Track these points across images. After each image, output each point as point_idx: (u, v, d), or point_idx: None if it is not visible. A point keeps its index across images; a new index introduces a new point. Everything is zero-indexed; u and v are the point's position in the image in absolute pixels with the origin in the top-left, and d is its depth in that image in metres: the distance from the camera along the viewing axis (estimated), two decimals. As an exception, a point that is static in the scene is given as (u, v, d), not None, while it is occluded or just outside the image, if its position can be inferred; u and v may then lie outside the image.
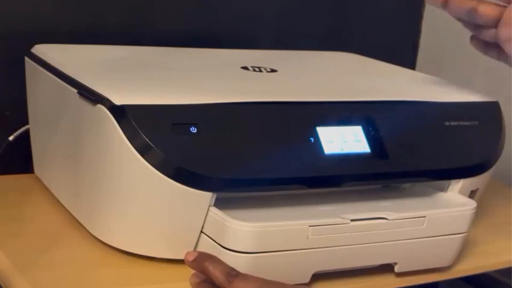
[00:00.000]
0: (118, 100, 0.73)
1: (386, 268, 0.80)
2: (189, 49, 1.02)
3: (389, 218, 0.77)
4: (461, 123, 0.87)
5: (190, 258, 0.72)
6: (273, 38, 1.20)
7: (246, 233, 0.71)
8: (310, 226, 0.73)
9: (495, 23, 0.82)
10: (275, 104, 0.80)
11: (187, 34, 1.11)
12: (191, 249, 0.76)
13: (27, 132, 0.96)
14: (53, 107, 0.87)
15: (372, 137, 0.81)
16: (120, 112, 0.73)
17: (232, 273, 0.70)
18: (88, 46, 0.97)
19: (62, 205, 0.86)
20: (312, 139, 0.78)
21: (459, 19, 0.85)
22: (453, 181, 0.86)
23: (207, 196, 0.73)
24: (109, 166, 0.75)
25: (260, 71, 0.92)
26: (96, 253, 0.78)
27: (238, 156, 0.74)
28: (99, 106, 0.74)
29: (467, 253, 0.86)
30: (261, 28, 1.19)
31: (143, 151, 0.72)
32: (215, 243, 0.73)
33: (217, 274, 0.70)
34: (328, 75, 0.99)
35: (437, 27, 1.34)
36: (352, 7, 1.28)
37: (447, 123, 0.86)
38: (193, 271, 0.72)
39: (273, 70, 0.93)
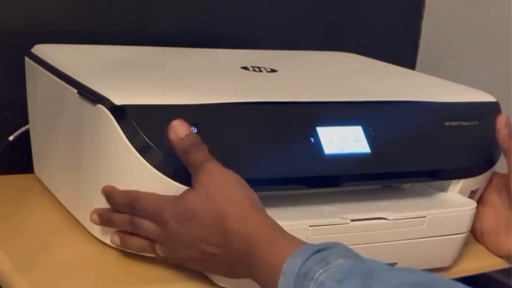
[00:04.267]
0: (118, 100, 0.73)
1: (386, 268, 0.80)
2: (189, 49, 1.02)
3: (389, 218, 0.77)
4: (461, 123, 0.87)
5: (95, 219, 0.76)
6: (273, 38, 1.20)
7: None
8: (310, 226, 0.73)
9: None
10: (275, 104, 0.80)
11: (187, 34, 1.11)
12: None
13: (27, 132, 0.96)
14: (53, 107, 0.87)
15: (372, 137, 0.81)
16: (120, 112, 0.73)
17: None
18: (88, 46, 0.97)
19: (62, 205, 0.86)
20: (312, 139, 0.78)
21: None
22: (453, 181, 0.86)
23: (207, 196, 0.73)
24: (109, 166, 0.75)
25: (260, 71, 0.92)
26: (96, 253, 0.78)
27: (238, 156, 0.74)
28: (99, 106, 0.74)
29: (467, 253, 0.86)
30: (261, 28, 1.19)
31: (143, 151, 0.72)
32: (215, 243, 0.73)
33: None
34: (328, 75, 0.99)
35: (437, 27, 1.34)
36: (352, 7, 1.28)
37: (447, 123, 0.86)
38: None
39: (273, 70, 0.93)
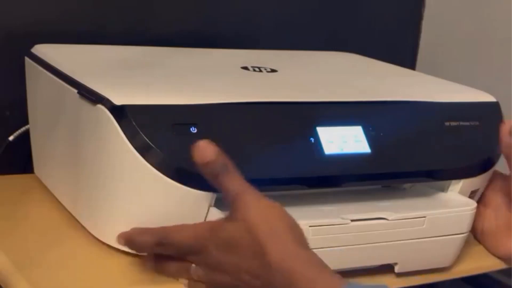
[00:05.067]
0: (118, 100, 0.73)
1: (386, 268, 0.80)
2: (189, 49, 1.02)
3: (389, 218, 0.77)
4: (461, 123, 0.87)
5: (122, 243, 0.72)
6: (273, 38, 1.20)
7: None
8: (310, 226, 0.73)
9: None
10: (275, 104, 0.80)
11: (187, 34, 1.11)
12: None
13: (27, 132, 0.96)
14: (53, 107, 0.87)
15: (372, 137, 0.81)
16: (120, 112, 0.73)
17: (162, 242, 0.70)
18: (88, 46, 0.97)
19: (62, 205, 0.86)
20: (312, 139, 0.78)
21: None
22: (453, 182, 0.86)
23: (207, 196, 0.73)
24: (109, 166, 0.75)
25: (260, 71, 0.92)
26: (96, 253, 0.78)
27: (238, 156, 0.74)
28: (99, 106, 0.74)
29: (467, 253, 0.86)
30: (261, 28, 1.19)
31: (143, 151, 0.72)
32: (215, 243, 0.73)
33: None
34: (328, 75, 0.99)
35: (437, 27, 1.34)
36: (352, 7, 1.28)
37: (447, 123, 0.86)
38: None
39: (273, 70, 0.93)
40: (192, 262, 0.71)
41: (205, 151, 0.68)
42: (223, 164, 0.68)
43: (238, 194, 0.68)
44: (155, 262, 0.73)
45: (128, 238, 0.72)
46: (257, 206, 0.68)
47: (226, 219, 0.69)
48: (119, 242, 0.73)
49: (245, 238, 0.66)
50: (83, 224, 0.81)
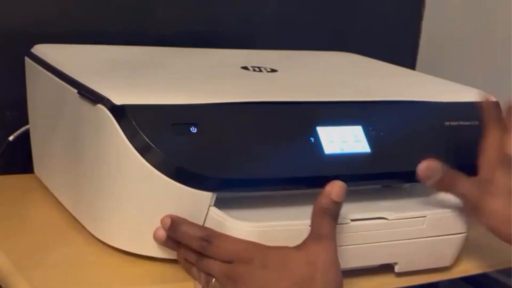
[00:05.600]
0: (118, 100, 0.73)
1: (386, 268, 0.80)
2: (189, 49, 1.02)
3: (389, 218, 0.77)
4: (461, 123, 0.87)
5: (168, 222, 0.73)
6: (273, 38, 1.20)
7: (246, 233, 0.71)
8: (310, 226, 0.73)
9: None
10: (275, 104, 0.80)
11: (187, 34, 1.11)
12: (192, 249, 0.76)
13: (27, 132, 0.96)
14: (53, 107, 0.87)
15: (372, 137, 0.81)
16: (120, 112, 0.73)
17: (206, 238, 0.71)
18: (88, 46, 0.97)
19: (62, 205, 0.86)
20: (312, 139, 0.78)
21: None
22: (453, 181, 0.86)
23: (207, 196, 0.73)
24: (109, 166, 0.75)
25: (260, 71, 0.92)
26: (96, 253, 0.78)
27: (238, 156, 0.74)
28: (99, 106, 0.74)
29: (467, 253, 0.86)
30: (260, 28, 1.19)
31: (143, 151, 0.72)
32: (215, 243, 0.73)
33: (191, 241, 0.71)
34: (328, 75, 0.99)
35: (437, 27, 1.34)
36: (352, 7, 1.28)
37: (447, 123, 0.86)
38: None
39: (273, 70, 0.93)
40: (214, 276, 0.71)
41: (340, 191, 0.71)
42: (337, 209, 0.71)
43: (324, 237, 0.70)
44: (186, 261, 0.74)
45: (175, 222, 0.73)
46: (331, 253, 0.70)
47: (289, 246, 0.70)
48: (164, 220, 0.73)
49: (302, 267, 0.68)
50: (83, 224, 0.81)
